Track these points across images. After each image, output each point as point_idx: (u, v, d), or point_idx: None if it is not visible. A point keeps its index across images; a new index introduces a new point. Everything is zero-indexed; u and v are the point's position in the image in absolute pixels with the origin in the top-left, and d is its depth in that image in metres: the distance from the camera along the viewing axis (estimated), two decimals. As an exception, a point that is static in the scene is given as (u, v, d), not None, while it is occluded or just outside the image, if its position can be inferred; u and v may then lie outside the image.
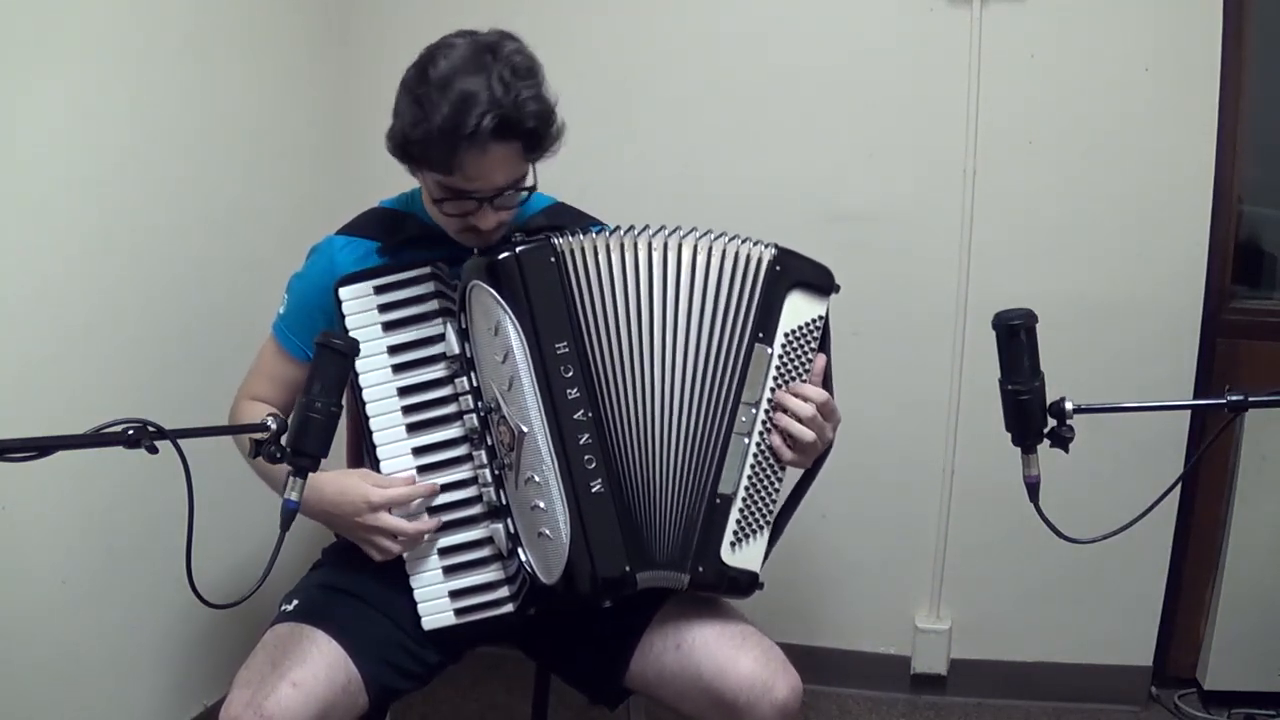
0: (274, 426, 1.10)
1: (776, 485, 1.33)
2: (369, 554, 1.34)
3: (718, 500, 1.30)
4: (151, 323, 1.74)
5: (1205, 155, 1.95)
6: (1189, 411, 2.05)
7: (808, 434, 1.30)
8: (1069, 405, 1.14)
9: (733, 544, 1.31)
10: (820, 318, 1.34)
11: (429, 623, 1.33)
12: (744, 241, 1.33)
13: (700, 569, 1.30)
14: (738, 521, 1.31)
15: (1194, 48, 1.92)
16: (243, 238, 1.95)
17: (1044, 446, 1.17)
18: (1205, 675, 2.13)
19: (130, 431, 0.97)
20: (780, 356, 1.32)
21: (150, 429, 0.98)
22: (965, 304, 2.07)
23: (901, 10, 2.00)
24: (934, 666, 2.21)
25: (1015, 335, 1.15)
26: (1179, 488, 1.45)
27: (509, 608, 1.33)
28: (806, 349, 1.33)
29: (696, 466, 1.31)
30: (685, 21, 2.08)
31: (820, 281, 1.34)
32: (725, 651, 1.30)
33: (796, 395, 1.31)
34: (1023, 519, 1.21)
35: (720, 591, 1.34)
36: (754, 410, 1.31)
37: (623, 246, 1.31)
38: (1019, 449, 1.17)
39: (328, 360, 1.12)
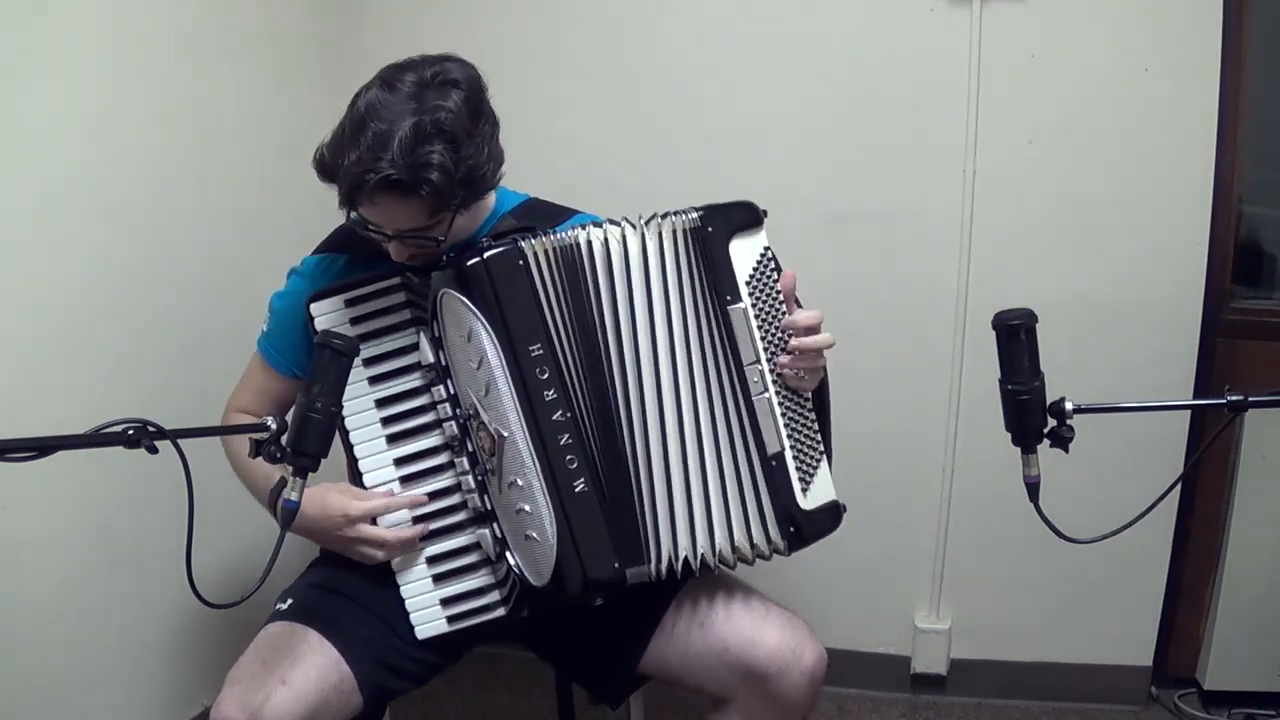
0: (274, 426, 1.10)
1: (811, 418, 1.33)
2: (360, 560, 1.34)
3: (773, 463, 1.29)
4: (152, 323, 1.74)
5: (1205, 155, 1.95)
6: (1189, 411, 2.05)
7: (823, 340, 1.29)
8: (1069, 405, 1.14)
9: (804, 489, 1.31)
10: (766, 248, 1.32)
11: (422, 632, 1.34)
12: (665, 217, 1.31)
13: (792, 529, 1.30)
14: (798, 468, 1.31)
15: (1194, 48, 1.92)
16: (244, 238, 1.95)
17: (1044, 446, 1.17)
18: (1205, 675, 2.12)
19: (130, 431, 0.97)
20: (752, 305, 1.30)
21: (150, 429, 0.99)
22: (965, 304, 2.06)
23: (901, 10, 1.99)
24: (934, 666, 2.21)
25: (1015, 335, 1.15)
26: (1179, 488, 1.44)
27: (500, 611, 1.34)
28: (769, 283, 1.32)
29: (720, 443, 1.30)
30: (684, 21, 2.08)
31: (750, 219, 1.32)
32: (752, 623, 1.32)
33: (792, 326, 1.30)
34: (1023, 519, 1.21)
35: (817, 537, 1.32)
36: (758, 366, 1.29)
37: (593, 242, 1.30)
38: (1019, 449, 1.17)
39: (327, 360, 1.12)
